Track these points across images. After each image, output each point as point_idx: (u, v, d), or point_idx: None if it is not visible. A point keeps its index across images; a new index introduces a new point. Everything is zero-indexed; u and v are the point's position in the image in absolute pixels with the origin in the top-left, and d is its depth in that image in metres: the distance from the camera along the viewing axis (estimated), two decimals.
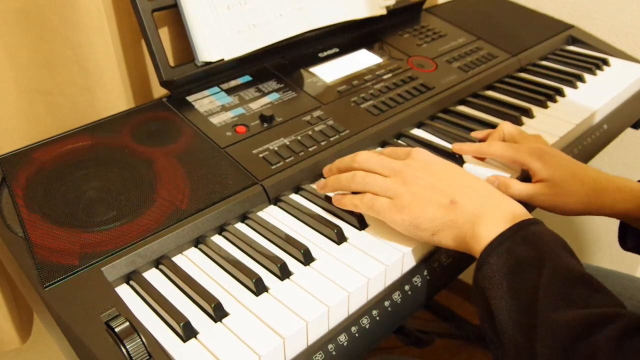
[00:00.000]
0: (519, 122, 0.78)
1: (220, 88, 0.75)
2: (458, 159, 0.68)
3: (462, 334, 1.45)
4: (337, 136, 0.69)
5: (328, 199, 0.61)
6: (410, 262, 0.55)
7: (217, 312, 0.47)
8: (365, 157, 0.57)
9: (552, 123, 0.78)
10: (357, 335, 0.50)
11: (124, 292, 0.51)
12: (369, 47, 0.88)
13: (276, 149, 0.66)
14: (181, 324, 0.45)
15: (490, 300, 0.46)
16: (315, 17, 0.81)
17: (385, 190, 0.54)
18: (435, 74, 0.84)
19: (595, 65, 0.93)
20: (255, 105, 0.72)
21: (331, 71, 0.81)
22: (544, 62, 0.96)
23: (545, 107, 0.82)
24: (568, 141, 0.77)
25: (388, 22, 0.94)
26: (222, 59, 0.73)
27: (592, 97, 0.84)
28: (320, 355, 0.47)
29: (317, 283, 0.51)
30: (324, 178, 0.64)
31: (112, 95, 0.71)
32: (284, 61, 0.82)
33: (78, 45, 0.67)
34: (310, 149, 0.66)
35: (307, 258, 0.53)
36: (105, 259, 0.51)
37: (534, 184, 0.62)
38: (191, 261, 0.55)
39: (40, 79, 0.69)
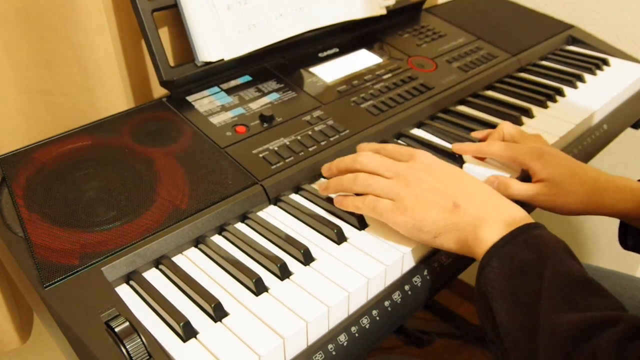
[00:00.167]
0: (519, 122, 0.78)
1: (220, 88, 0.75)
2: (458, 159, 0.68)
3: (462, 334, 1.45)
4: (337, 136, 0.69)
5: (328, 199, 0.61)
6: (410, 262, 0.55)
7: (217, 312, 0.47)
8: (368, 158, 0.57)
9: (552, 123, 0.78)
10: (357, 335, 0.50)
11: (124, 292, 0.51)
12: (369, 47, 0.88)
13: (276, 149, 0.66)
14: (181, 324, 0.45)
15: (492, 303, 0.46)
16: (315, 17, 0.81)
17: (388, 192, 0.54)
18: (435, 74, 0.84)
19: (595, 65, 0.93)
20: (255, 105, 0.72)
21: (331, 71, 0.81)
22: (544, 62, 0.96)
23: (545, 107, 0.82)
24: (568, 141, 0.77)
25: (388, 22, 0.94)
26: (222, 59, 0.73)
27: (592, 97, 0.84)
28: (320, 355, 0.47)
29: (317, 283, 0.51)
30: (324, 177, 0.65)
31: (112, 95, 0.71)
32: (284, 61, 0.82)
33: (78, 45, 0.67)
34: (310, 149, 0.66)
35: (307, 258, 0.53)
36: (105, 259, 0.51)
37: (533, 184, 0.62)
38: (191, 261, 0.55)
39: (40, 79, 0.69)
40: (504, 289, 0.46)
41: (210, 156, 0.63)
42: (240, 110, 0.71)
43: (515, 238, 0.48)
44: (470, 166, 0.68)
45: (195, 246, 0.57)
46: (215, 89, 0.74)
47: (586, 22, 1.12)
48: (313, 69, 0.81)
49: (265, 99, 0.73)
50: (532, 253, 0.47)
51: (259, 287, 0.50)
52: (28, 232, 0.52)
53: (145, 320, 0.47)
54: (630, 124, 0.89)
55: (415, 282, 0.55)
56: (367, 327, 0.50)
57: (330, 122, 0.71)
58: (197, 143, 0.65)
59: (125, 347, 0.43)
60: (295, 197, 0.63)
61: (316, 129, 0.70)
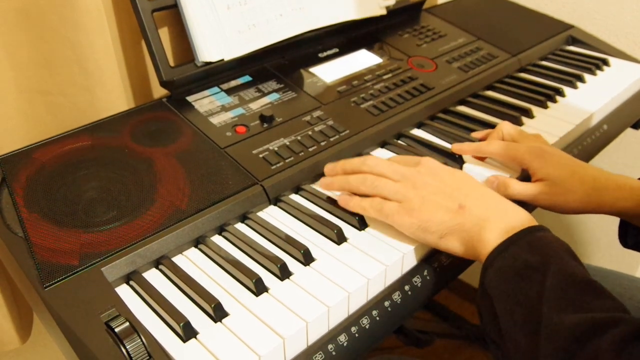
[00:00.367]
0: (519, 122, 0.78)
1: (220, 88, 0.75)
2: (458, 159, 0.68)
3: (462, 334, 1.45)
4: (337, 136, 0.69)
5: (328, 200, 0.61)
6: (410, 263, 0.55)
7: (217, 313, 0.47)
8: (376, 161, 0.58)
9: (552, 123, 0.78)
10: (357, 335, 0.50)
11: (124, 292, 0.51)
12: (369, 47, 0.88)
13: (276, 149, 0.66)
14: (181, 324, 0.45)
15: (495, 303, 0.47)
16: (315, 17, 0.81)
17: (395, 194, 0.55)
18: (435, 74, 0.84)
19: (595, 65, 0.93)
20: (255, 106, 0.72)
21: (331, 71, 0.81)
22: (544, 62, 0.96)
23: (545, 107, 0.82)
24: (568, 141, 0.77)
25: (388, 22, 0.94)
26: (222, 59, 0.73)
27: (592, 98, 0.84)
28: (320, 356, 0.47)
29: (317, 283, 0.51)
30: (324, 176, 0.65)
31: (112, 95, 0.71)
32: (284, 61, 0.82)
33: (78, 45, 0.67)
34: (310, 149, 0.66)
35: (307, 258, 0.53)
36: (105, 259, 0.51)
37: (533, 183, 0.62)
38: (191, 261, 0.55)
39: (40, 79, 0.69)
40: (507, 290, 0.47)
41: (211, 156, 0.63)
42: (240, 111, 0.71)
43: (519, 240, 0.49)
44: (470, 166, 0.68)
45: (195, 246, 0.57)
46: (215, 89, 0.74)
47: (586, 22, 1.12)
48: (313, 69, 0.81)
49: (265, 99, 0.73)
50: (536, 255, 0.47)
51: (259, 288, 0.50)
52: (28, 232, 0.52)
53: (145, 320, 0.47)
54: (630, 124, 0.89)
55: (415, 282, 0.55)
56: (367, 327, 0.50)
57: (330, 123, 0.71)
58: (197, 143, 0.65)
59: (125, 347, 0.43)
60: (295, 198, 0.63)
61: (316, 129, 0.70)
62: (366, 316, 0.51)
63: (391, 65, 0.84)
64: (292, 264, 0.53)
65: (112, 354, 0.43)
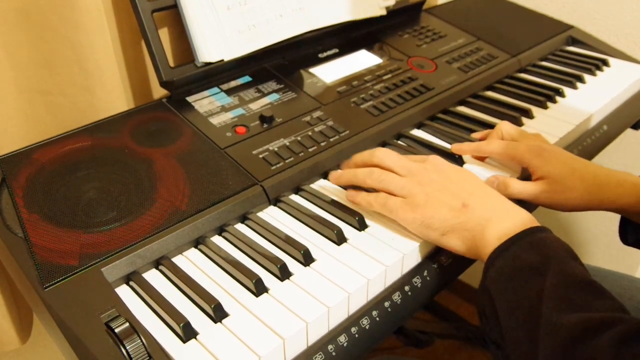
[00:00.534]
0: (518, 123, 0.78)
1: (220, 89, 0.75)
2: (458, 160, 0.68)
3: (462, 334, 1.45)
4: (337, 137, 0.69)
5: (328, 200, 0.61)
6: (410, 263, 0.55)
7: (217, 313, 0.47)
8: (385, 153, 0.59)
9: (551, 124, 0.78)
10: (357, 335, 0.50)
11: (124, 292, 0.51)
12: (369, 48, 0.88)
13: (276, 149, 0.66)
14: (181, 325, 0.45)
15: (496, 302, 0.47)
16: (315, 18, 0.81)
17: (401, 189, 0.56)
18: (435, 75, 0.84)
19: (595, 65, 0.93)
20: (255, 106, 0.72)
21: (331, 72, 0.81)
22: (544, 63, 0.96)
23: (545, 107, 0.82)
24: (568, 142, 0.77)
25: (388, 22, 0.94)
26: (222, 60, 0.73)
27: (591, 98, 0.84)
28: (320, 356, 0.47)
29: (317, 284, 0.51)
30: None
31: (112, 96, 0.71)
32: (284, 62, 0.82)
33: (78, 45, 0.67)
34: (310, 150, 0.66)
35: (307, 259, 0.53)
36: (105, 260, 0.51)
37: (534, 182, 0.62)
38: (191, 262, 0.55)
39: (40, 79, 0.69)
40: (507, 289, 0.47)
41: (210, 157, 0.63)
42: (240, 111, 0.71)
43: (521, 240, 0.49)
44: (470, 166, 0.68)
45: (195, 247, 0.57)
46: (215, 89, 0.74)
47: (586, 23, 1.12)
48: (313, 70, 0.81)
49: (265, 100, 0.73)
50: (536, 255, 0.47)
51: (258, 288, 0.50)
52: (28, 233, 0.52)
53: (145, 321, 0.47)
54: (630, 125, 0.89)
55: (415, 282, 0.55)
56: (367, 327, 0.50)
57: (330, 123, 0.71)
58: (197, 144, 0.65)
59: (125, 347, 0.43)
60: (295, 198, 0.63)
61: (316, 129, 0.70)
62: (366, 317, 0.51)
63: (391, 65, 0.84)
64: (292, 264, 0.53)
65: (112, 354, 0.43)
